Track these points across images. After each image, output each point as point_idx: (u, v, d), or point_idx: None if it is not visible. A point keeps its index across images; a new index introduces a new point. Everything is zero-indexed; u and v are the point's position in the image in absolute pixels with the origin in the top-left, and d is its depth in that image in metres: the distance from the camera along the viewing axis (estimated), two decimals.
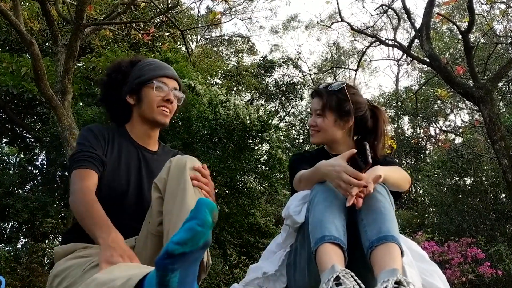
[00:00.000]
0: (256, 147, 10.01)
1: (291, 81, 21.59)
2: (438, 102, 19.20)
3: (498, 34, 14.03)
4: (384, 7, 11.74)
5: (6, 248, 9.31)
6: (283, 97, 21.49)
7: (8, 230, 10.88)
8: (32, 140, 11.78)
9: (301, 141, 21.66)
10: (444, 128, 20.24)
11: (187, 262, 1.27)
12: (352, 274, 1.56)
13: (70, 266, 1.84)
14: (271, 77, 21.78)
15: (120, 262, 1.63)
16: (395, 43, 10.76)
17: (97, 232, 1.76)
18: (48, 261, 8.61)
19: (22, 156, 12.29)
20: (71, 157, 2.07)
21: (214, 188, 1.98)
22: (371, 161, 1.82)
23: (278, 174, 10.06)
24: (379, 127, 2.43)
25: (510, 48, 14.44)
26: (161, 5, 10.44)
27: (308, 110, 19.88)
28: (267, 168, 10.17)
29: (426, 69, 18.49)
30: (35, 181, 11.72)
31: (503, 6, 11.34)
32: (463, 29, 8.58)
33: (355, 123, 2.39)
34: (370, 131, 2.43)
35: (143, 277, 1.41)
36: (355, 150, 1.93)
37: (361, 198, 1.85)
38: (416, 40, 9.67)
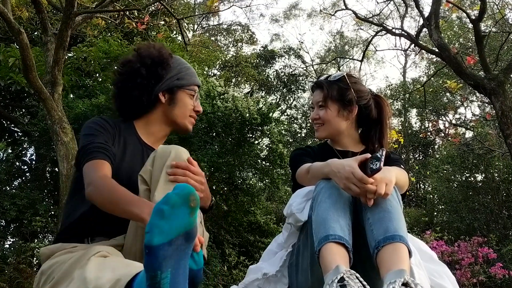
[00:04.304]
0: (256, 142, 10.00)
1: (293, 72, 21.60)
2: (448, 94, 19.20)
3: (511, 22, 14.01)
4: None
5: None
6: (284, 89, 21.50)
7: None
8: (20, 134, 11.77)
9: (303, 135, 21.66)
10: (453, 121, 20.23)
11: (173, 259, 1.27)
12: (357, 275, 1.57)
13: (56, 262, 1.85)
14: (271, 68, 21.81)
15: None
16: (402, 32, 10.75)
17: (134, 209, 1.71)
18: (37, 261, 8.59)
19: (9, 151, 12.27)
20: (80, 150, 2.06)
21: (204, 177, 1.98)
22: (381, 168, 1.82)
23: (279, 170, 10.05)
24: (384, 116, 2.46)
25: None
26: None
27: (310, 103, 19.92)
28: (268, 164, 10.17)
29: (435, 59, 18.46)
30: (23, 178, 11.72)
31: None
32: (474, 18, 8.57)
33: (358, 113, 2.43)
34: (375, 121, 2.46)
35: (132, 278, 1.41)
36: (369, 155, 1.93)
37: (370, 199, 1.85)
38: (425, 29, 9.65)
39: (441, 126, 20.55)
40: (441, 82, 17.17)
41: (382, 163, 1.81)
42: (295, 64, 22.42)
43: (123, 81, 2.25)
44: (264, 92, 21.28)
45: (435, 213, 15.91)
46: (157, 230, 1.24)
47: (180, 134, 2.41)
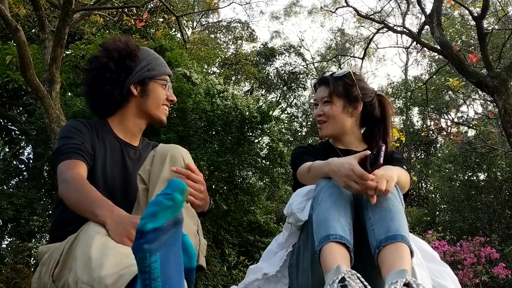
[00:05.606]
0: (256, 140, 9.99)
1: (293, 70, 21.58)
2: (450, 92, 19.20)
3: None
4: None
5: None
6: (284, 87, 21.49)
7: None
8: (18, 132, 11.76)
9: (303, 133, 21.68)
10: (456, 120, 20.22)
11: (162, 242, 1.26)
12: (359, 275, 1.56)
13: (55, 249, 1.86)
14: (272, 65, 21.80)
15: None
16: (404, 29, 10.75)
17: (97, 211, 1.74)
18: (34, 261, 8.59)
19: (7, 149, 12.27)
20: (55, 151, 2.07)
21: (204, 185, 2.00)
22: (381, 163, 1.82)
23: (279, 168, 10.03)
24: (387, 115, 2.47)
25: None
26: None
27: (312, 101, 19.88)
28: (268, 163, 10.15)
29: (437, 57, 18.46)
30: (20, 177, 11.71)
31: None
32: (476, 15, 8.56)
33: (362, 111, 2.43)
34: (378, 120, 2.47)
35: (133, 277, 1.42)
36: (369, 152, 1.93)
37: (372, 196, 1.85)
38: (427, 27, 9.64)
39: (443, 125, 20.56)
40: (443, 80, 17.19)
41: (381, 159, 1.81)
42: (295, 62, 22.44)
43: (92, 78, 2.23)
44: (264, 90, 21.28)
45: (437, 213, 15.94)
46: (153, 217, 1.25)
47: (156, 125, 2.38)
